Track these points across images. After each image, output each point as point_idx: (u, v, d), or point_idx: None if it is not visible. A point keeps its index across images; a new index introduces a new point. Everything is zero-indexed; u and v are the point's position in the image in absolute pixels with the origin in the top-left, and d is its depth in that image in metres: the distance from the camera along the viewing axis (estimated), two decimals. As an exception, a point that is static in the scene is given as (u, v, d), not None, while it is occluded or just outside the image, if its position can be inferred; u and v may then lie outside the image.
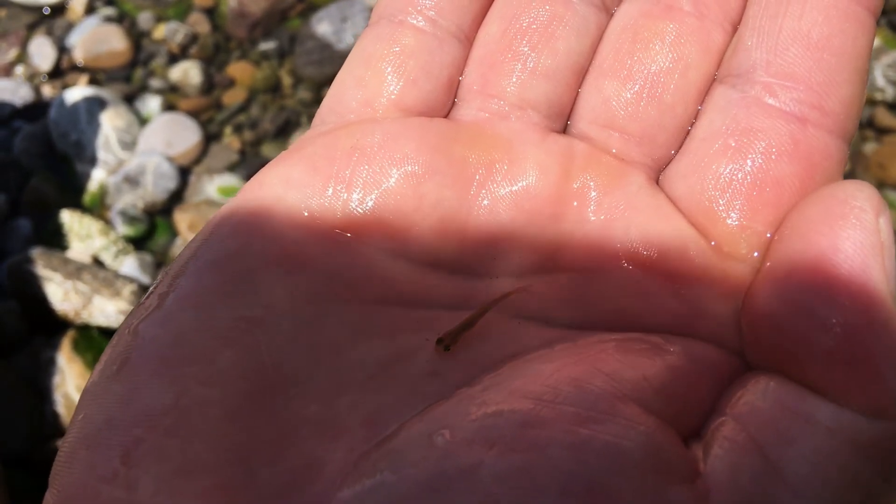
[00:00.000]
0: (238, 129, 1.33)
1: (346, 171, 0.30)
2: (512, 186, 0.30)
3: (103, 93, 1.32)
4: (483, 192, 0.30)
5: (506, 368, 0.26)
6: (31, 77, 1.38)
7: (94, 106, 1.30)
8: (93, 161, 1.28)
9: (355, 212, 0.30)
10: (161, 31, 1.41)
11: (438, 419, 0.24)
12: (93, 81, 1.37)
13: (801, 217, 0.26)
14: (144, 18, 1.42)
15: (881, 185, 1.19)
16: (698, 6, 0.31)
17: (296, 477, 0.23)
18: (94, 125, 1.29)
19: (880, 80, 1.27)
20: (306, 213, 0.29)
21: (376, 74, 0.32)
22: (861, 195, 0.25)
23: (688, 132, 0.31)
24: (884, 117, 1.25)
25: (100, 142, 1.29)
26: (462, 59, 0.33)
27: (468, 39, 0.33)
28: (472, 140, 0.31)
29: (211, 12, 1.44)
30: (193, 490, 0.23)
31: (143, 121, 1.33)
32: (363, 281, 0.29)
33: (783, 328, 0.25)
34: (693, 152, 0.30)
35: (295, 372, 0.26)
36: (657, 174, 0.31)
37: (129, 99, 1.35)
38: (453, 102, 0.33)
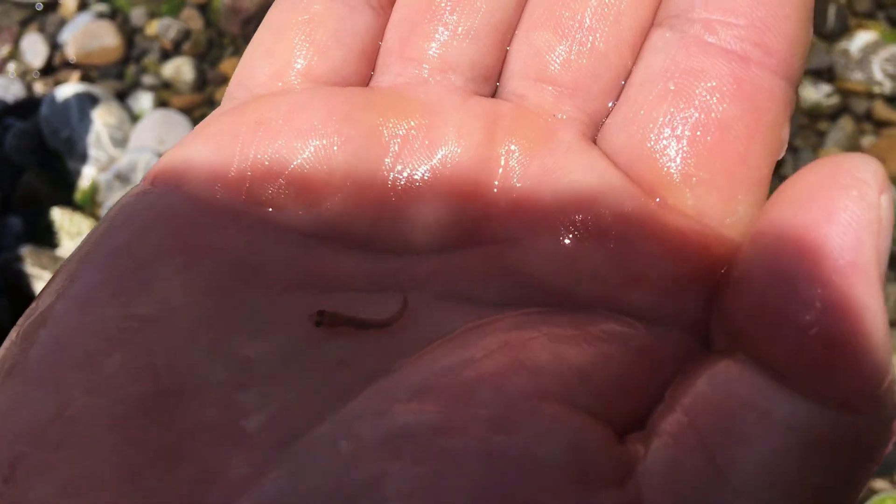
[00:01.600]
0: (231, 126, 1.32)
1: (250, 148, 0.28)
2: (431, 154, 0.28)
3: (95, 89, 1.32)
4: (400, 161, 0.28)
5: (422, 359, 0.24)
6: (23, 74, 1.38)
7: (86, 103, 1.30)
8: (84, 158, 1.28)
9: (261, 191, 0.28)
10: (154, 28, 1.40)
11: (345, 421, 0.23)
12: (85, 78, 1.36)
13: (798, 181, 0.24)
14: (137, 14, 1.42)
15: (878, 179, 1.19)
16: None
17: (192, 489, 0.22)
18: (85, 122, 1.29)
19: (878, 74, 1.26)
20: (208, 198, 0.28)
21: (285, 45, 0.30)
22: (867, 168, 0.23)
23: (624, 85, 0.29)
24: (882, 110, 1.24)
25: (91, 139, 1.28)
26: (378, 27, 0.31)
27: (383, 9, 0.31)
28: (387, 107, 0.29)
29: (204, 8, 1.43)
30: None
31: (134, 117, 1.32)
32: (271, 266, 0.27)
33: (760, 296, 0.23)
34: (631, 100, 0.28)
35: (191, 373, 0.24)
36: (593, 129, 0.29)
37: (122, 96, 1.34)
38: (372, 73, 0.31)
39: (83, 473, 0.22)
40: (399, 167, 0.28)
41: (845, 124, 1.24)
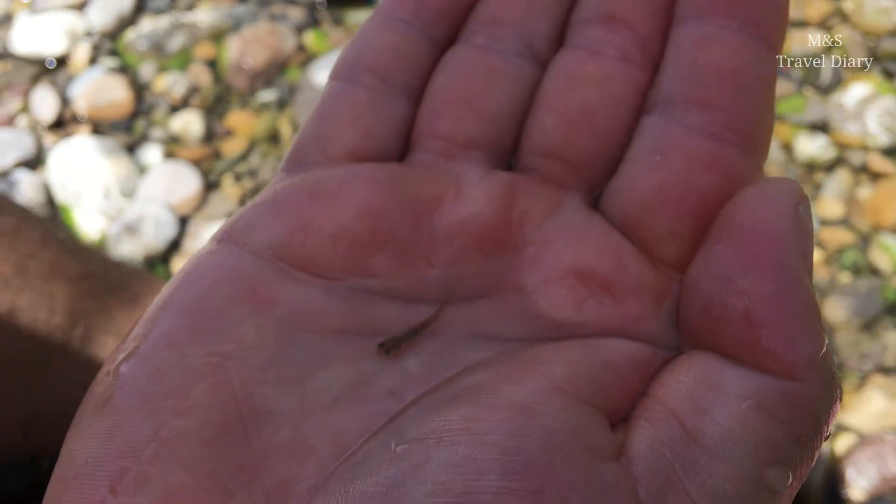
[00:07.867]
0: (238, 178, 1.34)
1: (306, 212, 0.33)
2: (462, 216, 0.34)
3: (105, 142, 1.34)
4: (433, 223, 0.34)
5: (458, 377, 0.29)
6: (34, 127, 1.40)
7: (96, 155, 1.32)
8: (93, 210, 1.29)
9: (315, 250, 0.33)
10: (162, 83, 1.43)
11: (396, 427, 0.27)
12: (95, 132, 1.38)
13: (730, 204, 0.31)
14: (146, 70, 1.44)
15: (876, 229, 1.20)
16: (622, 52, 0.35)
17: (271, 496, 0.26)
18: (95, 174, 1.31)
19: (873, 126, 1.28)
20: (270, 254, 0.32)
21: (333, 129, 0.36)
22: (784, 185, 0.30)
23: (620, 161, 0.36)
24: (877, 162, 1.26)
25: (100, 191, 1.30)
26: (411, 111, 0.37)
27: (415, 95, 0.37)
28: (421, 178, 0.35)
29: (212, 64, 1.46)
30: None
31: (143, 170, 1.34)
32: (325, 314, 0.31)
33: (707, 296, 0.29)
34: (626, 173, 0.34)
35: (264, 401, 0.28)
36: (595, 198, 0.35)
37: (131, 148, 1.36)
38: (406, 150, 0.37)
39: (177, 483, 0.26)
40: (433, 228, 0.34)
41: (841, 176, 1.26)
